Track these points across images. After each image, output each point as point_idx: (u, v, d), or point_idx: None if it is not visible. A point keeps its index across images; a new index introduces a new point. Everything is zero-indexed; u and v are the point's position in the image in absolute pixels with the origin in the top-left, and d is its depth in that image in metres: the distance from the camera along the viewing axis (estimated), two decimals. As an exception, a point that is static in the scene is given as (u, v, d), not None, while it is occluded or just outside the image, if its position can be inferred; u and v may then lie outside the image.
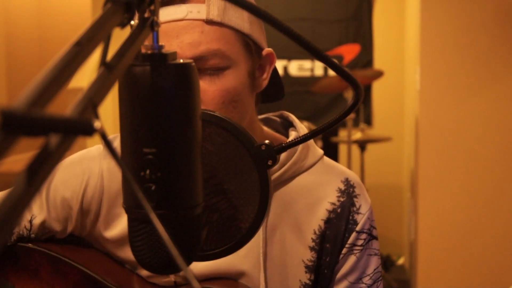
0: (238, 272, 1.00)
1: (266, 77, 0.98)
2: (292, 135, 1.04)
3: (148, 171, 0.56)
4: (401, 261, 4.17)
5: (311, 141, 1.05)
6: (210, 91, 0.89)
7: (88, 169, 1.03)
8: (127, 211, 0.60)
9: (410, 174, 3.83)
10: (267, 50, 0.97)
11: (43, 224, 1.03)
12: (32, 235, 1.03)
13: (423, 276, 3.17)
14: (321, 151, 1.06)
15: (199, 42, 0.88)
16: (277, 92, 1.07)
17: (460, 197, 3.10)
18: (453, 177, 3.10)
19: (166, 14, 0.88)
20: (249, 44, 0.93)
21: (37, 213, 1.03)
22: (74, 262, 1.01)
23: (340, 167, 1.07)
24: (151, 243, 0.59)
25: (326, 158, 1.07)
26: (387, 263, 3.99)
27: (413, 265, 3.41)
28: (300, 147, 1.01)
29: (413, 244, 3.48)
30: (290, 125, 1.10)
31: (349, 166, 3.56)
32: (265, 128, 1.06)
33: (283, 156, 0.99)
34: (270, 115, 1.12)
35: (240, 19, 0.91)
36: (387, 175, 4.35)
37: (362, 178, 3.80)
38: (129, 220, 0.60)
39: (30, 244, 1.02)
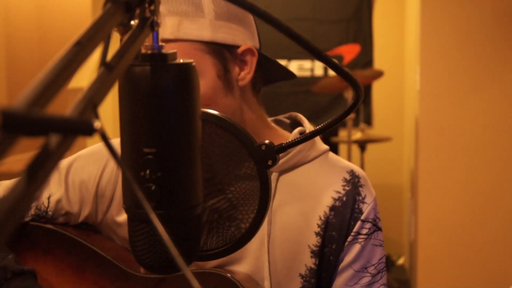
0: (242, 255, 1.03)
1: (249, 70, 1.02)
2: (298, 128, 1.08)
3: (148, 171, 0.56)
4: (401, 261, 4.17)
5: (317, 137, 1.09)
6: None
7: (106, 156, 1.08)
8: (127, 211, 0.60)
9: (410, 174, 3.83)
10: (243, 46, 1.01)
11: (60, 203, 1.07)
12: (49, 213, 1.08)
13: (423, 276, 3.17)
14: (326, 146, 1.10)
15: None
16: (284, 73, 1.12)
17: (460, 197, 3.09)
18: (453, 177, 3.10)
19: None
20: (214, 50, 0.98)
21: (55, 191, 1.08)
22: (88, 243, 1.06)
23: (345, 161, 1.11)
24: (151, 243, 0.59)
25: (331, 153, 1.11)
26: (387, 263, 3.98)
27: (413, 265, 3.41)
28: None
29: (413, 244, 3.48)
30: (299, 125, 1.13)
31: (349, 166, 3.55)
32: (272, 125, 1.10)
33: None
34: (280, 117, 1.16)
35: (199, 29, 0.96)
36: (387, 175, 4.35)
37: (362, 178, 3.79)
38: (129, 220, 0.60)
39: (46, 225, 1.08)
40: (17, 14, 4.19)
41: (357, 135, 3.77)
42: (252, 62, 1.02)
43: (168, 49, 0.94)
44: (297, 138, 0.79)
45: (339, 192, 1.05)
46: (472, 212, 3.09)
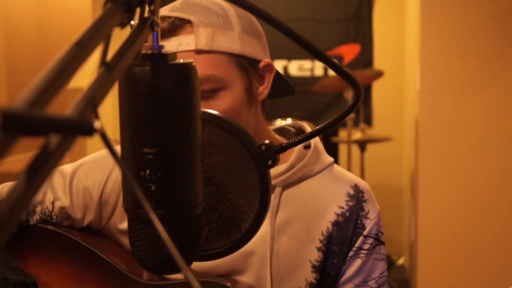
0: (244, 267, 1.02)
1: (266, 85, 1.03)
2: (302, 144, 1.06)
3: (148, 171, 0.56)
4: (401, 261, 4.17)
5: (322, 148, 1.09)
6: None
7: (111, 163, 1.07)
8: (127, 211, 0.60)
9: (410, 174, 3.83)
10: (264, 61, 1.01)
11: (63, 209, 1.07)
12: (54, 217, 1.07)
13: (423, 276, 3.17)
14: (331, 159, 1.10)
15: None
16: (285, 89, 1.12)
17: (460, 197, 3.09)
18: (453, 177, 3.10)
19: None
20: (241, 63, 0.98)
21: (59, 196, 1.07)
22: (90, 246, 1.05)
23: (350, 174, 1.10)
24: (151, 243, 0.59)
25: (336, 166, 1.10)
26: (387, 263, 3.98)
27: (413, 265, 3.41)
28: (310, 151, 1.05)
29: (413, 244, 3.48)
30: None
31: (349, 166, 3.55)
32: (276, 136, 1.09)
33: (293, 158, 1.03)
34: (285, 125, 1.16)
35: (229, 42, 0.96)
36: (387, 175, 4.35)
37: (362, 178, 3.79)
38: (129, 220, 0.60)
39: (50, 227, 1.07)
40: (17, 14, 4.19)
41: (357, 135, 3.77)
42: (269, 77, 1.03)
43: (201, 60, 0.95)
44: (297, 138, 0.79)
45: (342, 208, 1.04)
46: (472, 212, 3.09)
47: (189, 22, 0.95)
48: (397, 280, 3.73)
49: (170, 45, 0.93)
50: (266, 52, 1.04)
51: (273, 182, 1.02)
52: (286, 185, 1.04)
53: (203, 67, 0.93)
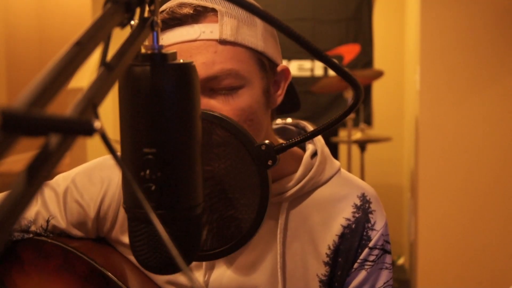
0: (253, 287, 0.99)
1: (281, 93, 0.97)
2: (310, 148, 1.03)
3: (148, 171, 0.56)
4: (401, 261, 4.17)
5: (328, 154, 1.04)
6: (224, 110, 0.87)
7: (108, 178, 1.03)
8: (127, 211, 0.60)
9: (410, 174, 3.83)
10: (282, 66, 0.97)
11: (58, 227, 1.03)
12: (49, 233, 1.03)
13: (423, 276, 3.17)
14: (338, 164, 1.06)
15: (213, 62, 0.87)
16: (292, 105, 1.07)
17: (460, 197, 3.09)
18: (453, 177, 3.10)
19: (179, 35, 0.88)
20: (263, 62, 0.92)
21: (54, 214, 1.03)
22: (88, 258, 0.98)
23: (357, 180, 1.06)
24: (151, 243, 0.59)
25: (343, 171, 1.06)
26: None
27: (413, 265, 3.41)
28: (317, 162, 1.01)
29: (413, 244, 3.48)
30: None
31: (349, 166, 3.55)
32: (280, 141, 1.05)
33: (300, 171, 0.99)
34: (286, 124, 1.12)
35: (254, 37, 0.91)
36: (387, 175, 4.35)
37: (362, 178, 3.79)
38: (129, 220, 0.60)
39: (44, 238, 1.02)
40: (17, 14, 4.19)
41: (357, 135, 3.77)
42: (284, 85, 0.97)
43: (224, 52, 0.90)
44: (297, 138, 0.79)
45: (348, 220, 1.01)
46: (472, 212, 3.09)
47: (213, 10, 0.89)
48: (397, 280, 3.73)
49: (192, 32, 0.88)
50: (281, 58, 0.99)
51: (280, 199, 0.98)
52: (294, 200, 1.01)
53: (225, 60, 0.88)
